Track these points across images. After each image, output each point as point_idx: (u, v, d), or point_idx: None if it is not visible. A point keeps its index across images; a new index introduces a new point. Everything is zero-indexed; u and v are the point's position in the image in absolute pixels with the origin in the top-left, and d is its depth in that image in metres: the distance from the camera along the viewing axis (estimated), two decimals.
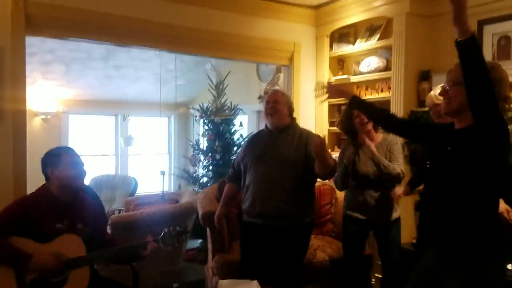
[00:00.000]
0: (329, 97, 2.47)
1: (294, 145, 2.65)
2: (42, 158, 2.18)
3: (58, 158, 2.13)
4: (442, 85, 1.85)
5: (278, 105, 2.70)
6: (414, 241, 3.35)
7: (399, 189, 2.91)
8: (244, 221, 2.77)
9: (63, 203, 2.14)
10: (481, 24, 3.27)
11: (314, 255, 3.15)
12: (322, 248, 3.25)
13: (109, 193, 5.88)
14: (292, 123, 2.78)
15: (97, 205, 2.41)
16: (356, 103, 2.17)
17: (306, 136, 2.70)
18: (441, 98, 2.46)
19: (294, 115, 4.22)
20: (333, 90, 2.62)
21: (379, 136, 2.98)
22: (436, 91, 2.58)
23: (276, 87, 5.05)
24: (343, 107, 4.38)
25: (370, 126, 2.91)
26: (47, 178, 2.16)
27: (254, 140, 2.85)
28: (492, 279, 1.61)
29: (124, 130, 6.98)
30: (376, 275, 3.49)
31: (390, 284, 3.06)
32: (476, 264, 1.62)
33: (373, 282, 3.49)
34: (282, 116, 2.71)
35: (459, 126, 1.75)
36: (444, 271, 1.72)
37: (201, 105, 5.16)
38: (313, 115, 4.46)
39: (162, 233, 2.24)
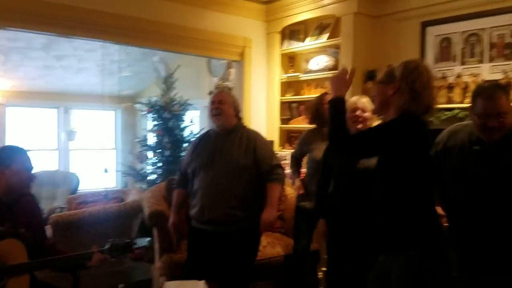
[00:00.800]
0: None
1: (243, 149, 2.57)
2: None
3: (11, 158, 2.01)
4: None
5: (223, 106, 2.61)
6: None
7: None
8: (192, 226, 2.69)
9: (5, 205, 2.02)
10: (424, 25, 3.41)
11: (263, 252, 3.15)
12: (271, 244, 3.26)
13: (50, 190, 5.58)
14: (239, 124, 2.70)
15: (38, 209, 2.29)
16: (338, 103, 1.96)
17: (254, 139, 2.63)
18: (363, 101, 2.61)
19: (246, 112, 4.28)
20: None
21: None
22: (359, 99, 2.61)
23: (227, 83, 5.00)
24: (293, 105, 4.43)
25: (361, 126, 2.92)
26: None
27: (200, 143, 2.74)
28: (427, 273, 1.69)
29: (66, 124, 6.66)
30: (323, 269, 3.56)
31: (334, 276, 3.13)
32: (411, 259, 1.70)
33: (320, 276, 3.55)
34: (227, 117, 2.62)
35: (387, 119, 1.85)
36: (388, 267, 1.78)
37: (148, 99, 5.00)
38: (264, 112, 4.46)
39: (109, 244, 2.12)
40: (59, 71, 5.91)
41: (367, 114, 2.53)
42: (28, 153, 2.11)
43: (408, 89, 1.71)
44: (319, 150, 2.95)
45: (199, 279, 2.30)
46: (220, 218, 2.53)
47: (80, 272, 2.41)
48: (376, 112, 1.95)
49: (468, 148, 1.91)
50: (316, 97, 3.17)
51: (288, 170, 3.35)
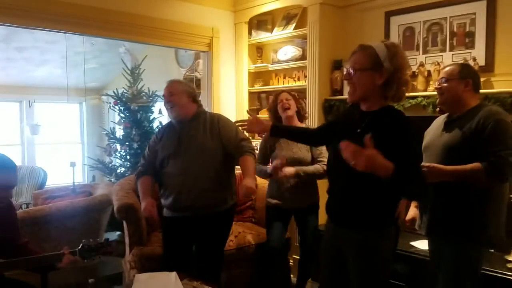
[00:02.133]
0: (248, 130, 2.42)
1: (207, 133, 2.60)
2: None
3: None
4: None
5: (173, 97, 2.59)
6: None
7: (289, 169, 2.88)
8: (165, 216, 2.69)
9: None
10: (388, 15, 3.47)
11: (235, 241, 3.18)
12: (243, 234, 3.29)
13: (16, 185, 5.42)
14: (199, 110, 2.69)
15: (6, 208, 2.19)
16: (277, 131, 2.30)
17: (217, 121, 2.65)
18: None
19: (215, 103, 4.26)
20: (253, 122, 2.31)
21: (301, 125, 3.09)
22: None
23: (196, 74, 4.97)
24: (262, 95, 4.45)
25: (290, 112, 3.02)
26: None
27: (166, 133, 2.72)
28: (382, 251, 1.76)
29: (30, 118, 6.45)
30: (294, 256, 3.63)
31: (306, 264, 3.22)
32: (368, 237, 1.76)
33: (291, 263, 3.62)
34: (181, 107, 2.60)
35: (365, 108, 1.80)
36: (341, 240, 1.86)
37: (115, 91, 4.90)
38: (233, 103, 4.45)
39: (81, 246, 2.07)
40: (20, 63, 5.72)
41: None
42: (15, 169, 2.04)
43: (397, 79, 1.70)
44: (280, 149, 3.01)
45: (172, 270, 2.31)
46: (197, 203, 2.55)
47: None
48: (357, 100, 1.80)
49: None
50: (273, 97, 3.26)
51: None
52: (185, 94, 2.62)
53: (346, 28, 3.77)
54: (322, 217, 3.19)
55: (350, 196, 1.79)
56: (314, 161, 3.01)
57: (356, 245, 1.79)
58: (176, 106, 2.59)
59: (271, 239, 3.07)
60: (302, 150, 3.00)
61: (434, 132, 2.19)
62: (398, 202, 1.87)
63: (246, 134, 2.81)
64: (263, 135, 3.26)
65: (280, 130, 2.38)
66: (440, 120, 2.23)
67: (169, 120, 2.82)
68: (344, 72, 1.84)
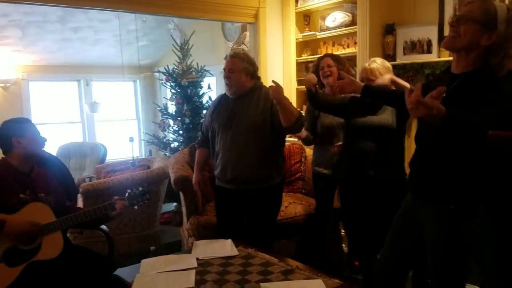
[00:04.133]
0: (340, 91, 2.18)
1: (259, 108, 2.60)
2: (2, 128, 2.15)
3: (23, 127, 2.15)
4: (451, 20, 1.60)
5: (233, 74, 2.60)
6: None
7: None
8: (217, 186, 2.79)
9: (23, 174, 2.14)
10: None
11: (286, 212, 3.24)
12: (293, 204, 3.33)
13: (79, 161, 5.77)
14: (255, 85, 2.68)
15: (57, 173, 2.41)
16: (369, 92, 2.03)
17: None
18: (376, 74, 2.52)
19: (262, 75, 4.24)
20: (346, 83, 2.15)
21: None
22: (371, 64, 2.57)
23: (243, 46, 4.96)
24: (310, 65, 4.38)
25: (332, 80, 2.89)
26: (7, 149, 2.14)
27: (220, 104, 2.77)
28: (466, 227, 1.62)
29: (88, 96, 6.77)
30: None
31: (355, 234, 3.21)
32: (449, 214, 1.62)
33: (342, 234, 3.63)
34: (238, 84, 2.61)
35: (457, 69, 1.62)
36: (419, 213, 1.74)
37: (166, 68, 5.02)
38: (280, 74, 4.43)
39: (127, 194, 2.28)
40: (76, 43, 5.96)
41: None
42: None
43: (506, 48, 1.52)
44: (325, 115, 2.96)
45: (228, 237, 2.41)
46: (241, 176, 2.62)
47: (114, 237, 2.56)
48: (454, 50, 1.61)
49: None
50: (315, 61, 3.13)
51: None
52: (244, 72, 2.62)
53: None
54: None
55: (434, 167, 1.66)
56: None
57: (435, 221, 1.67)
58: (232, 83, 2.62)
59: (319, 209, 3.09)
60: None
61: None
62: (489, 178, 1.66)
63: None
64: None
65: (372, 92, 2.08)
66: None
67: (225, 92, 2.83)
68: (452, 17, 1.62)
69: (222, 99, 2.81)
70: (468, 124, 1.47)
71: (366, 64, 2.62)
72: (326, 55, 3.10)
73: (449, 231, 1.63)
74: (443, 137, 1.55)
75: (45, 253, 2.02)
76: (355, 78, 3.24)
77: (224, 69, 2.66)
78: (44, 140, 2.22)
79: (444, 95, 1.55)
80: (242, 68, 2.61)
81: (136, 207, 2.31)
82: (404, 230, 1.86)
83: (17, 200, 2.04)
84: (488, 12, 1.51)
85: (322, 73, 2.94)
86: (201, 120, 4.77)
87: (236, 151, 2.60)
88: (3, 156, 2.17)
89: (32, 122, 2.25)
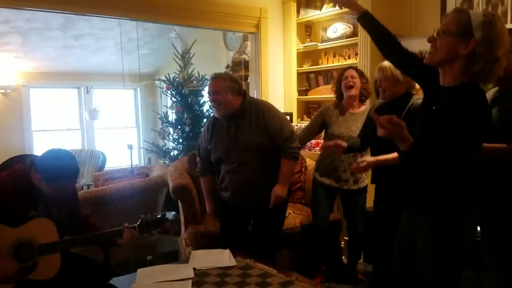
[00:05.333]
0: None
1: (254, 128, 2.57)
2: (35, 160, 2.00)
3: (56, 176, 1.96)
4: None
5: (219, 96, 2.54)
6: None
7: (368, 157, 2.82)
8: (223, 200, 2.76)
9: (40, 189, 2.02)
10: None
11: (285, 222, 3.20)
12: (292, 215, 3.31)
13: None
14: (244, 102, 2.61)
15: (72, 184, 2.33)
16: (366, 18, 1.92)
17: (262, 114, 2.59)
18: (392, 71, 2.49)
19: (263, 85, 4.26)
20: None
21: (362, 106, 3.02)
22: (386, 62, 2.53)
23: (244, 56, 4.97)
24: (311, 75, 4.39)
25: (353, 91, 2.95)
26: (28, 173, 2.00)
27: (215, 131, 2.70)
28: (455, 238, 1.62)
29: (88, 103, 6.77)
30: (346, 238, 3.60)
31: (355, 246, 3.19)
32: (437, 221, 1.62)
33: (342, 245, 3.60)
34: (226, 104, 2.55)
35: (443, 81, 1.62)
36: (414, 227, 1.73)
37: (167, 76, 5.03)
38: (281, 84, 4.43)
39: (139, 221, 2.17)
40: (78, 50, 5.97)
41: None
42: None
43: (486, 56, 1.48)
44: (338, 126, 2.96)
45: (231, 248, 2.37)
46: (250, 199, 2.62)
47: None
48: (433, 64, 1.61)
49: None
50: (339, 71, 3.16)
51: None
52: (230, 90, 2.55)
53: (398, 2, 3.61)
54: (370, 199, 3.16)
55: (421, 179, 1.66)
56: None
57: (427, 233, 1.66)
58: (222, 104, 2.56)
59: (317, 219, 3.07)
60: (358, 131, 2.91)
61: None
62: (475, 188, 1.67)
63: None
64: (322, 108, 3.19)
65: (371, 18, 1.92)
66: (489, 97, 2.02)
67: (213, 117, 2.77)
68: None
69: (215, 124, 2.72)
70: (425, 160, 1.54)
71: (384, 62, 2.57)
72: (351, 67, 3.12)
73: (439, 242, 1.62)
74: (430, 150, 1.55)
75: (39, 273, 1.95)
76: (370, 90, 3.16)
77: (208, 92, 2.62)
78: (72, 179, 2.05)
79: (433, 107, 1.59)
80: (226, 87, 2.55)
81: (146, 236, 2.18)
82: (403, 246, 1.85)
83: (25, 215, 1.96)
84: (462, 22, 1.52)
85: (345, 83, 2.96)
86: (201, 129, 4.77)
87: (244, 176, 2.58)
88: (26, 167, 2.04)
89: (75, 170, 2.04)
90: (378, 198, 2.70)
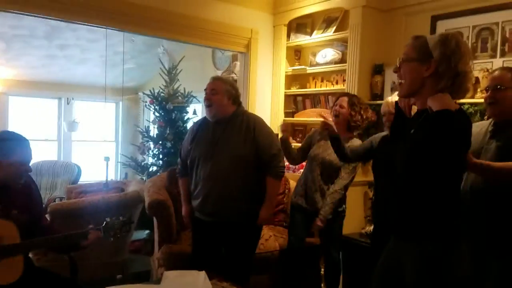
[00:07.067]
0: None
1: (242, 138, 2.49)
2: None
3: (10, 149, 1.93)
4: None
5: (215, 96, 2.50)
6: (363, 231, 3.40)
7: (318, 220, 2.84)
8: (195, 217, 2.64)
9: (1, 188, 1.94)
10: (435, 19, 3.34)
11: (265, 245, 3.10)
12: (273, 238, 3.20)
13: (50, 180, 5.55)
14: (237, 111, 2.58)
15: (35, 190, 2.20)
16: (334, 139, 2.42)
17: (253, 126, 2.53)
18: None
19: (250, 105, 4.21)
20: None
21: (349, 135, 2.94)
22: (393, 97, 2.52)
23: (232, 75, 4.94)
24: (298, 98, 4.37)
25: (337, 120, 2.89)
26: None
27: (199, 131, 2.64)
28: (442, 263, 1.58)
29: (68, 115, 6.62)
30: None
31: (331, 275, 3.09)
32: (428, 249, 1.57)
33: (322, 272, 3.49)
34: (220, 107, 2.51)
35: (422, 106, 1.62)
36: (401, 256, 1.67)
37: (151, 91, 4.94)
38: (269, 105, 4.40)
39: (104, 223, 2.09)
40: (61, 60, 5.87)
41: None
42: (29, 142, 2.02)
43: (449, 72, 1.51)
44: (318, 147, 2.92)
45: (203, 269, 2.24)
46: (222, 210, 2.49)
47: (78, 262, 2.37)
48: (406, 95, 1.65)
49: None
50: (335, 98, 3.10)
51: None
52: (226, 94, 2.52)
53: (389, 32, 3.65)
54: (347, 226, 3.10)
55: (409, 206, 1.62)
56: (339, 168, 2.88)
57: (417, 261, 1.59)
58: (215, 106, 2.51)
59: (292, 241, 2.97)
60: (337, 158, 2.80)
61: (479, 139, 2.03)
62: (458, 210, 1.64)
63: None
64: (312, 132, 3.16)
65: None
66: (484, 127, 2.07)
67: (204, 117, 2.72)
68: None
69: (202, 125, 2.67)
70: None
71: (388, 98, 2.59)
72: (345, 94, 3.04)
73: (431, 270, 1.57)
74: (415, 177, 1.55)
75: (2, 276, 1.83)
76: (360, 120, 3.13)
77: (205, 90, 2.56)
78: (28, 168, 2.00)
79: (412, 131, 1.61)
80: (224, 90, 2.53)
81: (112, 239, 2.10)
82: (387, 273, 1.77)
83: None
84: (420, 46, 1.56)
85: (333, 109, 2.92)
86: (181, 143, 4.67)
87: (219, 182, 2.47)
88: None
89: (18, 139, 1.99)
90: (376, 226, 2.63)
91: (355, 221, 3.47)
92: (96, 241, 2.07)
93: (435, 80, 1.54)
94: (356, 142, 2.87)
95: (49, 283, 2.03)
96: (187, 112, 4.93)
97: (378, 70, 3.62)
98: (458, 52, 1.52)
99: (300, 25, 4.32)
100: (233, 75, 4.92)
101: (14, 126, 6.04)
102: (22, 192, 2.03)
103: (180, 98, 4.81)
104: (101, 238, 2.08)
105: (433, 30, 3.34)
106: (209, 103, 2.52)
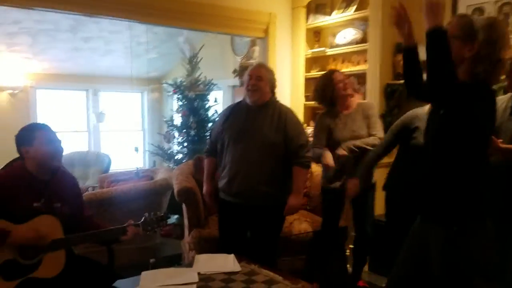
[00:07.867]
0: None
1: (274, 126, 2.57)
2: (15, 136, 2.05)
3: (32, 136, 2.02)
4: None
5: (260, 83, 2.59)
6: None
7: (340, 150, 2.81)
8: (221, 198, 2.73)
9: (41, 181, 2.04)
10: None
11: (290, 228, 3.17)
12: (298, 221, 3.27)
13: (82, 170, 5.75)
14: (271, 99, 2.67)
15: (75, 182, 2.32)
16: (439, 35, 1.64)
17: (285, 116, 2.61)
18: None
19: None
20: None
21: (355, 102, 2.96)
22: None
23: (251, 61, 4.96)
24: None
25: (350, 90, 2.90)
26: (21, 157, 2.06)
27: (232, 114, 2.72)
28: (466, 245, 1.60)
29: (95, 106, 6.79)
30: (351, 246, 3.55)
31: (361, 251, 3.13)
32: (453, 230, 1.60)
33: (347, 254, 3.55)
34: (263, 93, 2.61)
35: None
36: (428, 237, 1.70)
37: (174, 80, 5.03)
38: (288, 89, 4.41)
39: (143, 219, 2.19)
40: (86, 52, 6.00)
41: None
42: (58, 134, 2.10)
43: (491, 57, 1.53)
44: (339, 130, 2.91)
45: (230, 252, 2.34)
46: (247, 192, 2.56)
47: (114, 246, 2.49)
48: None
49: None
50: (322, 76, 3.07)
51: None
52: (269, 82, 2.63)
53: (410, 8, 3.56)
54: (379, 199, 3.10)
55: (437, 188, 1.65)
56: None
57: (442, 242, 1.63)
58: (259, 91, 2.60)
59: (328, 228, 3.01)
60: (362, 127, 2.86)
61: (498, 115, 1.98)
62: (483, 195, 1.65)
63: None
64: (317, 123, 3.10)
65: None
66: (504, 102, 2.06)
67: (238, 101, 2.81)
68: None
69: (235, 108, 2.76)
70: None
71: None
72: (335, 70, 3.05)
73: (454, 251, 1.60)
74: (443, 157, 1.57)
75: (43, 271, 1.94)
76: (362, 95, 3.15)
77: (250, 75, 2.62)
78: (59, 150, 2.08)
79: (441, 112, 1.61)
80: (268, 79, 2.64)
81: (148, 232, 2.21)
82: (413, 253, 1.81)
83: (29, 209, 1.96)
84: (465, 26, 1.57)
85: (342, 86, 2.87)
86: (207, 133, 4.77)
87: (246, 165, 2.55)
88: (22, 161, 2.07)
89: (47, 130, 2.08)
90: (390, 207, 2.65)
91: (382, 201, 3.49)
92: (135, 237, 2.17)
93: (474, 62, 1.55)
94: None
95: (89, 271, 2.13)
96: (208, 100, 5.00)
97: (401, 48, 3.56)
98: (503, 39, 1.53)
99: (320, 5, 4.29)
100: (252, 60, 4.95)
101: (43, 118, 6.22)
102: (61, 184, 2.13)
103: (201, 86, 4.88)
104: (139, 233, 2.17)
105: (454, 6, 3.27)
106: (255, 88, 2.60)
